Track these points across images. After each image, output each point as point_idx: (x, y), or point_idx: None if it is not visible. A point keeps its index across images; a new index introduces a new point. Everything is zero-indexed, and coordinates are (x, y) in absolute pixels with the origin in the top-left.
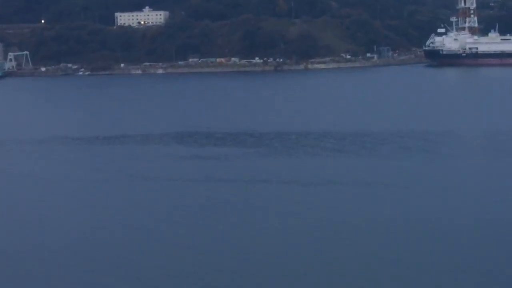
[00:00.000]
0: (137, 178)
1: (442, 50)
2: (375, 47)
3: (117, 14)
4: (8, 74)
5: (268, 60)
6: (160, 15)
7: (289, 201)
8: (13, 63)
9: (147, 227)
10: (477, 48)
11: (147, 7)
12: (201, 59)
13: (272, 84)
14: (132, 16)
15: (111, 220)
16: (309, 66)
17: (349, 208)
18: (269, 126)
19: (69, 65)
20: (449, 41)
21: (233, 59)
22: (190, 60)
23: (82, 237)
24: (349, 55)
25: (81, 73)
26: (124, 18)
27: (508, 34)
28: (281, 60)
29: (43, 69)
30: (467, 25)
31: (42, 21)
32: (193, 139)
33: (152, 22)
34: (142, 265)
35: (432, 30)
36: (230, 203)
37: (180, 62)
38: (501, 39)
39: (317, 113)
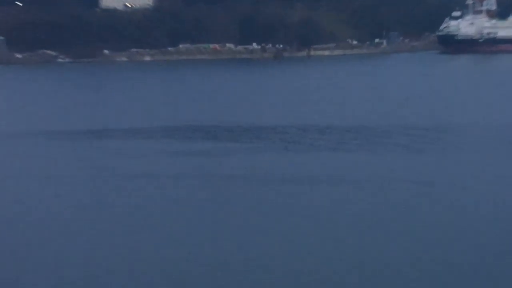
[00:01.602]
0: (121, 176)
1: (457, 35)
2: (384, 32)
3: None
4: None
5: (267, 46)
6: None
7: (292, 201)
8: None
9: (129, 235)
10: (495, 33)
11: None
12: (193, 45)
13: (271, 73)
14: None
15: (80, 225)
16: (312, 53)
17: (362, 209)
18: (268, 119)
19: (48, 52)
20: (465, 26)
21: (228, 45)
22: (181, 46)
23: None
24: (355, 41)
25: (61, 60)
26: (109, 0)
27: None
28: (281, 46)
29: (19, 56)
30: (484, 8)
31: (18, 4)
32: (184, 133)
33: (139, 5)
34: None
35: (446, 13)
36: (224, 203)
37: (169, 49)
38: None
39: (320, 105)
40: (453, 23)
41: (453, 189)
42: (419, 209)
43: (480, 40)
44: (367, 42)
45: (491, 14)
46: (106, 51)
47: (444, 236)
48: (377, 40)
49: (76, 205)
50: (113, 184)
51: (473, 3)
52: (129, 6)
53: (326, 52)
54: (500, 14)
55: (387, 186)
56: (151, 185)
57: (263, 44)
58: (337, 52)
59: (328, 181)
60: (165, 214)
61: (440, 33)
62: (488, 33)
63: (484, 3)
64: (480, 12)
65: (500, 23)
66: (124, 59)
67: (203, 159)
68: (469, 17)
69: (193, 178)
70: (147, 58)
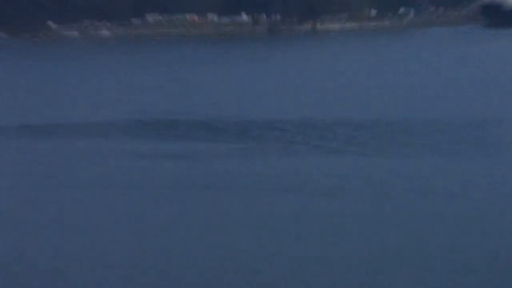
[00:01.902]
0: (65, 187)
1: (503, 4)
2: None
3: None
4: None
5: (260, 18)
6: None
7: (292, 216)
8: None
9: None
10: None
11: None
12: (164, 17)
13: (264, 54)
14: None
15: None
16: (318, 26)
17: (384, 230)
18: (261, 112)
19: None
20: None
21: (209, 16)
22: (149, 17)
23: None
24: (374, 11)
25: None
26: None
27: None
28: (278, 18)
29: None
30: None
31: None
32: (155, 131)
33: None
34: None
35: None
36: (204, 217)
37: (134, 21)
38: None
39: (328, 94)
40: None
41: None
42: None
43: None
44: (389, 13)
45: None
46: (51, 24)
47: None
48: (401, 10)
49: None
50: (54, 197)
51: None
52: None
53: (336, 26)
54: None
55: (426, 200)
56: (107, 198)
57: (254, 15)
58: (350, 25)
59: (336, 193)
60: (124, 238)
61: (482, 3)
62: None
63: None
64: None
65: None
66: (75, 34)
67: (177, 163)
68: None
69: (164, 189)
70: (105, 33)
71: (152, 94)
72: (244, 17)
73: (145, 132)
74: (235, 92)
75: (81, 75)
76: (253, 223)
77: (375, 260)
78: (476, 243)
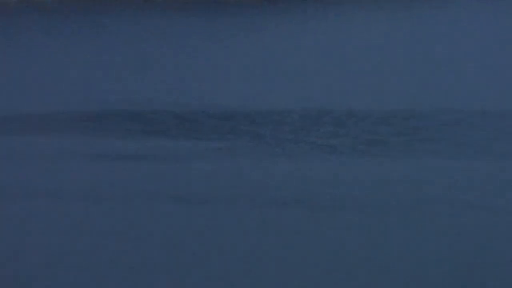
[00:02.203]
0: (13, 194)
1: None
2: None
3: None
4: None
5: None
6: None
7: (288, 237)
8: None
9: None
10: None
11: None
12: None
13: (252, 24)
14: None
15: None
16: None
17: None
18: (248, 100)
19: None
20: None
21: None
22: None
23: None
24: None
25: None
26: None
27: None
28: None
29: None
30: None
31: None
32: (115, 124)
33: None
34: None
35: None
36: (175, 233)
37: None
38: None
39: (336, 77)
40: None
41: None
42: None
43: None
44: None
45: None
46: None
47: None
48: None
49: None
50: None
51: None
52: None
53: None
54: None
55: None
56: (54, 208)
57: None
58: None
59: (337, 205)
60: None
61: None
62: None
63: None
64: None
65: None
66: None
67: (143, 165)
68: None
69: (126, 198)
70: None
71: (112, 78)
72: None
73: (101, 126)
74: (214, 74)
75: (19, 52)
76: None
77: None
78: None
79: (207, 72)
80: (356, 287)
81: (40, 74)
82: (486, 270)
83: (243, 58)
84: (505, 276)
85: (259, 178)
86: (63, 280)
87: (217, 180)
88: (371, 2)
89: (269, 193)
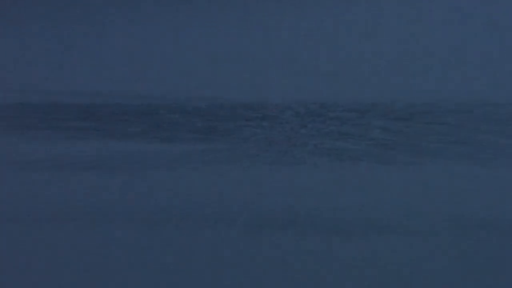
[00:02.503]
0: None
1: None
2: None
3: None
4: None
5: None
6: None
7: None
8: None
9: None
10: None
11: None
12: None
13: (238, 10)
14: None
15: None
16: None
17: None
18: (239, 90)
19: None
20: None
21: None
22: None
23: None
24: None
25: None
26: None
27: None
28: None
29: None
30: None
31: None
32: (66, 119)
33: None
34: None
35: None
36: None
37: None
38: None
39: (348, 65)
40: None
41: None
42: None
43: None
44: None
45: None
46: None
47: None
48: None
49: None
50: None
51: None
52: None
53: None
54: None
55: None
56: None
57: None
58: None
59: (356, 229)
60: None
61: None
62: None
63: None
64: None
65: None
66: None
67: (86, 176)
68: None
69: (87, 217)
70: None
71: (64, 62)
72: None
73: (50, 122)
74: (197, 58)
75: None
76: None
77: None
78: None
79: (186, 57)
80: None
81: None
82: None
83: (233, 43)
84: None
85: (250, 187)
86: None
87: (203, 196)
88: None
89: (262, 213)
